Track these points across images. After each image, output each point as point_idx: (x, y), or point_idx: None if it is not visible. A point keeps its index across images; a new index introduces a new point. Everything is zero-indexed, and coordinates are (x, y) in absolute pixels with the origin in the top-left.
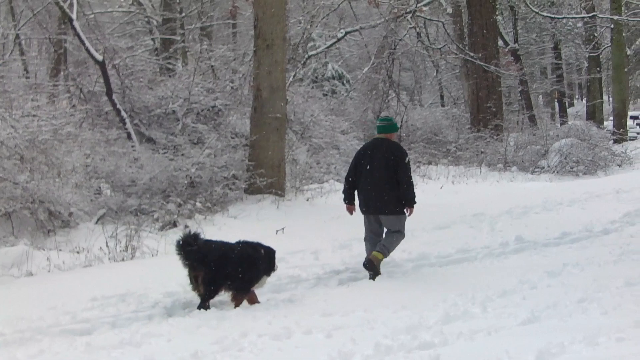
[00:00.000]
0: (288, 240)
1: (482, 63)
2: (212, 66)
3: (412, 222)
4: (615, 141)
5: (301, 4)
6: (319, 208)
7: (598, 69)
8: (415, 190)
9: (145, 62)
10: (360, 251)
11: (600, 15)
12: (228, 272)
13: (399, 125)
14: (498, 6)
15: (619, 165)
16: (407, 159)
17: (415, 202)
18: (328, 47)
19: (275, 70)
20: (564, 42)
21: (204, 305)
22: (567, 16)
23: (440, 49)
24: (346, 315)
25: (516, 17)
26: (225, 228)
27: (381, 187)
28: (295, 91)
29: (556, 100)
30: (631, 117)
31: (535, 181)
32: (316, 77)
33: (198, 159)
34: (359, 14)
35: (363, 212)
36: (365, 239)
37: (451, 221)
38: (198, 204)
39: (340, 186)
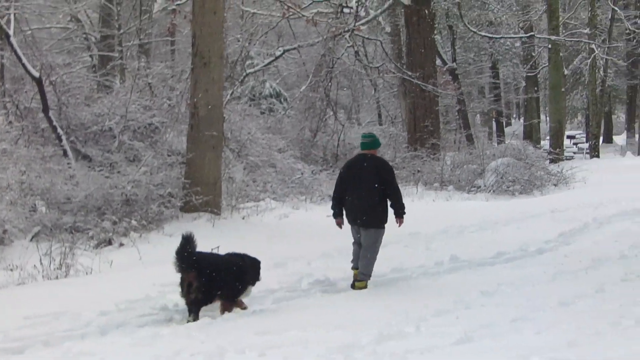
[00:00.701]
0: None
1: (419, 82)
2: (149, 83)
3: (346, 240)
4: (552, 161)
5: (240, 22)
6: (254, 226)
7: (535, 88)
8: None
9: (83, 79)
10: (294, 270)
11: (538, 36)
12: (220, 282)
13: (380, 142)
14: (436, 25)
15: (555, 185)
16: (393, 172)
17: (405, 213)
18: (266, 65)
19: (212, 88)
20: (501, 61)
21: (196, 315)
22: (505, 36)
23: (378, 67)
24: (280, 334)
25: (454, 36)
26: (160, 246)
27: (366, 201)
28: (233, 109)
29: (493, 119)
30: (568, 137)
31: (471, 200)
32: (254, 95)
33: (134, 177)
34: (298, 32)
35: (350, 223)
36: (353, 242)
37: (386, 240)
38: (133, 222)
39: (275, 204)
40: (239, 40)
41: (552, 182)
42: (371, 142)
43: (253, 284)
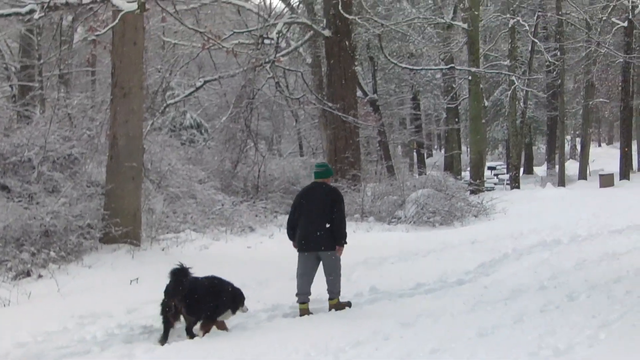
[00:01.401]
0: (142, 289)
1: (340, 113)
2: (69, 114)
3: (266, 271)
4: (472, 192)
5: (160, 53)
6: (174, 258)
7: (456, 119)
8: (346, 231)
9: (2, 109)
10: None
11: (458, 67)
12: (202, 303)
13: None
14: (357, 57)
15: (475, 216)
16: (342, 202)
17: (345, 242)
18: (187, 96)
19: (132, 118)
20: (422, 93)
21: (191, 334)
22: (426, 67)
23: (299, 98)
24: None
25: (375, 67)
26: (79, 277)
27: (319, 225)
28: (153, 140)
29: (414, 150)
30: (488, 168)
31: (391, 231)
32: (174, 126)
33: (53, 208)
34: (218, 63)
35: (301, 249)
36: (299, 275)
37: None
38: (52, 254)
39: (195, 235)
40: (159, 71)
41: (472, 213)
42: (324, 171)
43: (233, 312)
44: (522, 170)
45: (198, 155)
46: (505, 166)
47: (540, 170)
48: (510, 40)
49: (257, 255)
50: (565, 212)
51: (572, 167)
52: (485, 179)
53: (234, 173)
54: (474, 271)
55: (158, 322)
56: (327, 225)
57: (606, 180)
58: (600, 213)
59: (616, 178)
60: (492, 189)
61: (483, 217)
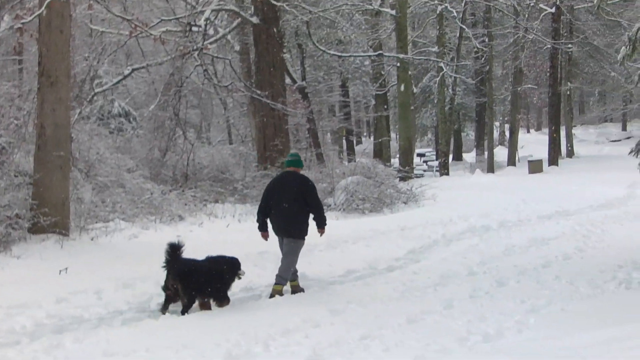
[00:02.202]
0: (71, 279)
1: (268, 101)
2: None
3: None
4: (402, 179)
5: (88, 41)
6: (103, 247)
7: (385, 106)
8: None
9: None
10: (143, 290)
11: (387, 54)
12: (202, 283)
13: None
14: (286, 44)
15: (405, 203)
16: (314, 189)
17: (326, 224)
18: (114, 84)
19: (59, 107)
20: (351, 80)
21: (186, 311)
22: (354, 54)
23: (227, 86)
24: (128, 355)
25: (304, 55)
26: (7, 268)
27: (290, 213)
28: (81, 129)
29: (344, 137)
30: (418, 155)
31: None
32: (102, 115)
33: None
34: (146, 50)
35: (276, 234)
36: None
37: None
38: None
39: (125, 224)
40: (87, 59)
41: (401, 200)
42: (295, 160)
43: (232, 280)
44: (451, 156)
45: (127, 144)
46: (435, 153)
47: (469, 156)
48: (438, 27)
49: (187, 244)
50: (495, 198)
51: (501, 153)
52: (414, 165)
53: (162, 162)
54: (403, 258)
55: (87, 312)
56: (298, 213)
57: (535, 167)
58: (529, 199)
59: (545, 164)
60: (421, 175)
61: (412, 204)
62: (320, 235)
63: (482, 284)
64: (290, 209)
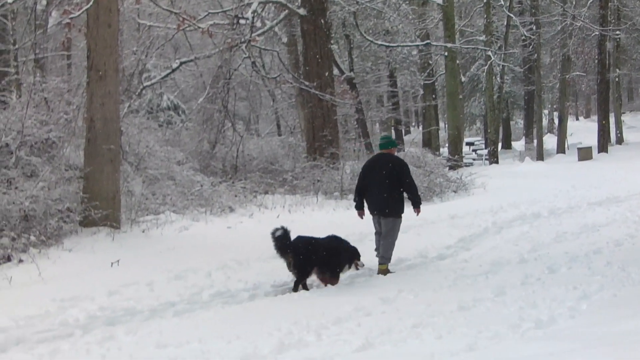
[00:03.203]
0: (123, 272)
1: (317, 92)
2: (45, 98)
3: (246, 251)
4: (451, 167)
5: (135, 35)
6: (154, 239)
7: (433, 96)
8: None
9: None
10: (194, 282)
11: (434, 43)
12: (316, 259)
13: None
14: (333, 35)
15: (455, 192)
16: (407, 169)
17: (421, 203)
18: (163, 78)
19: (108, 101)
20: (399, 70)
21: (297, 287)
22: (402, 44)
23: (275, 78)
24: (180, 346)
25: (351, 45)
26: (60, 261)
27: (384, 193)
28: (130, 122)
29: (392, 127)
30: (467, 144)
31: None
32: (151, 108)
33: (32, 192)
34: (194, 44)
35: (372, 213)
36: (375, 233)
37: None
38: (32, 238)
39: (175, 217)
40: (135, 53)
41: (451, 189)
42: (387, 142)
43: (349, 266)
44: (500, 145)
45: (176, 136)
46: (484, 141)
47: (518, 144)
48: (485, 16)
49: (237, 236)
50: (544, 185)
51: (550, 141)
52: (463, 154)
53: (212, 154)
54: (454, 246)
55: (139, 304)
56: (394, 193)
57: (584, 154)
58: (579, 186)
59: (594, 151)
60: (470, 164)
61: (462, 192)
62: (417, 215)
63: (533, 271)
64: (387, 188)
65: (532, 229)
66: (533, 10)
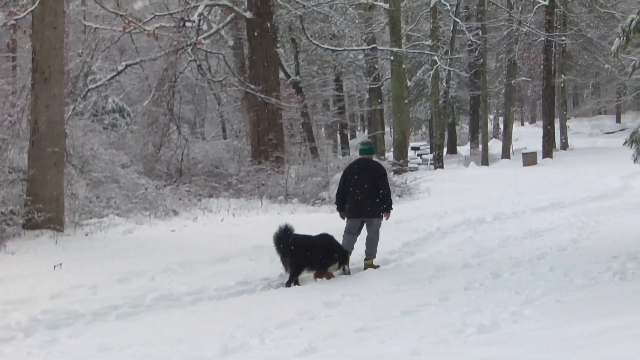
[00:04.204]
0: (66, 275)
1: (262, 95)
2: None
3: (191, 255)
4: (396, 172)
5: (81, 37)
6: (98, 243)
7: (379, 100)
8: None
9: None
10: (138, 285)
11: (380, 48)
12: (309, 256)
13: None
14: (279, 39)
15: (399, 196)
16: (386, 175)
17: (391, 208)
18: (108, 80)
19: (53, 103)
20: (345, 74)
21: (290, 282)
22: (348, 48)
23: (221, 81)
24: (123, 350)
25: (298, 49)
26: (2, 264)
27: (367, 196)
28: (75, 125)
29: (338, 132)
30: (412, 148)
31: (316, 213)
32: (96, 111)
33: None
34: (140, 46)
35: (351, 217)
36: (346, 233)
37: (231, 254)
38: None
39: (119, 220)
40: (80, 55)
41: (396, 193)
42: (368, 148)
43: (338, 267)
44: (445, 150)
45: (121, 139)
46: (429, 146)
47: (463, 149)
48: (432, 20)
49: (181, 239)
50: (489, 190)
51: (495, 146)
52: (409, 159)
53: (157, 157)
54: (398, 251)
55: (82, 308)
56: (373, 196)
57: (529, 159)
58: (523, 191)
59: (539, 156)
60: (416, 169)
61: (407, 197)
62: (386, 219)
63: (477, 276)
64: (370, 191)
65: (477, 234)
66: (479, 16)
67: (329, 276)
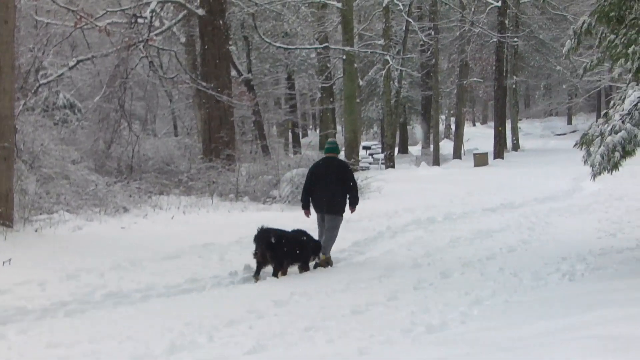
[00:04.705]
0: (15, 271)
1: (214, 93)
2: None
3: (140, 252)
4: None
5: (33, 32)
6: (47, 239)
7: (331, 99)
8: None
9: None
10: (87, 282)
11: (332, 46)
12: (288, 251)
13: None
14: (232, 36)
15: None
16: (352, 172)
17: (357, 204)
18: (59, 76)
19: (3, 98)
20: (297, 72)
21: (276, 274)
22: (300, 47)
23: (173, 78)
24: (71, 346)
25: (250, 47)
26: None
27: (332, 193)
28: (25, 120)
29: (289, 130)
30: (363, 147)
31: (266, 211)
32: (47, 106)
33: None
34: (92, 42)
35: (316, 211)
36: (319, 232)
37: (181, 251)
38: None
39: (69, 216)
40: (31, 50)
41: None
42: (334, 147)
43: (314, 258)
44: (397, 149)
45: (71, 135)
46: (380, 146)
47: (415, 149)
48: (384, 20)
49: (131, 236)
50: (440, 191)
51: (446, 146)
52: (360, 158)
53: (107, 153)
54: (348, 249)
55: (31, 304)
56: (339, 193)
57: (480, 160)
58: (474, 192)
59: (490, 157)
60: (367, 168)
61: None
62: (352, 212)
63: (426, 276)
64: (333, 189)
65: (427, 233)
66: (432, 16)
67: (306, 269)
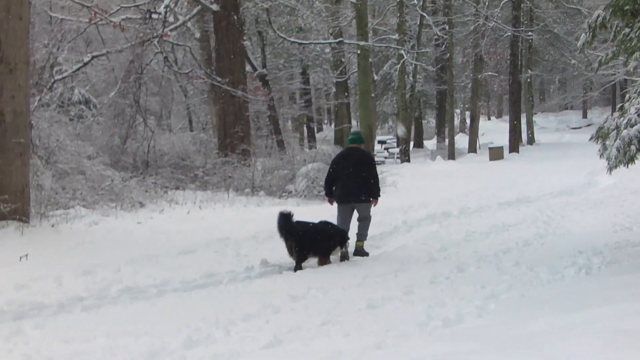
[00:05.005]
0: (31, 266)
1: (229, 88)
2: None
3: (156, 247)
4: None
5: (47, 28)
6: (63, 234)
7: (346, 94)
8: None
9: None
10: (103, 277)
11: (347, 41)
12: (313, 242)
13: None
14: (246, 31)
15: None
16: (374, 163)
17: (380, 195)
18: (74, 72)
19: (18, 94)
20: (312, 67)
21: (299, 267)
22: (315, 42)
23: (187, 73)
24: (88, 342)
25: (264, 42)
26: None
27: (357, 182)
28: (41, 116)
29: (304, 125)
30: (379, 142)
31: (282, 205)
32: (62, 102)
33: None
34: (106, 38)
35: (341, 202)
36: (340, 223)
37: (196, 246)
38: None
39: (85, 211)
40: (46, 46)
41: None
42: (358, 138)
43: (341, 247)
44: (412, 144)
45: (87, 131)
46: (395, 140)
47: (430, 144)
48: (398, 14)
49: (147, 231)
50: (455, 185)
51: (461, 140)
52: (375, 153)
53: (123, 148)
54: (364, 244)
55: (47, 299)
56: (363, 182)
57: (495, 154)
58: (489, 186)
59: (505, 151)
60: (382, 162)
61: None
62: (374, 205)
63: (442, 270)
64: (358, 179)
65: (442, 228)
66: (446, 10)
67: (326, 262)
